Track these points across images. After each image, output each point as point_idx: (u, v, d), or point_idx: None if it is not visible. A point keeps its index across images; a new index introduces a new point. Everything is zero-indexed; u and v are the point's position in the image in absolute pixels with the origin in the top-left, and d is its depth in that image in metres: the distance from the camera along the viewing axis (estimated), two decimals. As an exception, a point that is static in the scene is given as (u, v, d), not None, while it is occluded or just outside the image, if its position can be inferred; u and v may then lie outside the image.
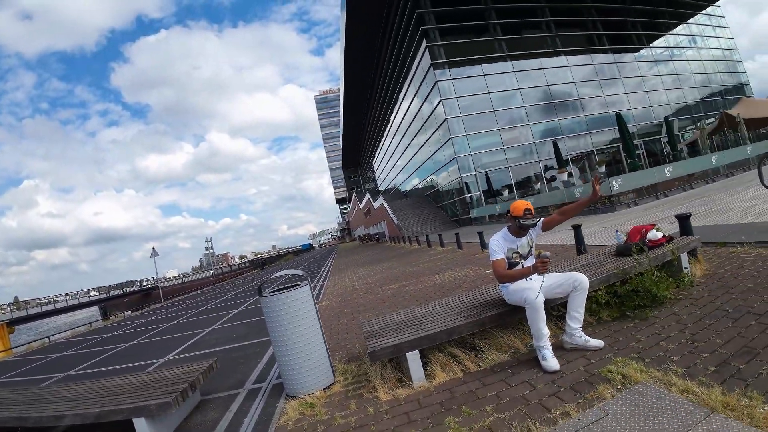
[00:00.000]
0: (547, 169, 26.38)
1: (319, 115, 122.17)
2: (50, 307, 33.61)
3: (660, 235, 3.80)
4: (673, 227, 4.98)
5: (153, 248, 22.16)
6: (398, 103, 38.72)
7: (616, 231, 4.61)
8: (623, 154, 15.49)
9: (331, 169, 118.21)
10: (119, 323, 14.01)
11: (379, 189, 59.88)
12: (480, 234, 10.51)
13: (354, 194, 70.99)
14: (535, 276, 2.86)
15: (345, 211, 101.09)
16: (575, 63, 29.87)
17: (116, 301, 33.36)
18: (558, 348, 2.84)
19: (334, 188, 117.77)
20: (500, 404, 2.34)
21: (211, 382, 3.91)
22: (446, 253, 11.73)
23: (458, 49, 27.79)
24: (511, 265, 2.99)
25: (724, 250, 4.50)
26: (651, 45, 33.87)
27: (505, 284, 3.03)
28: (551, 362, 2.61)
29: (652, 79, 32.59)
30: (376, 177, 65.69)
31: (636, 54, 33.01)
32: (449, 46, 27.83)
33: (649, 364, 2.36)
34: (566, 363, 2.65)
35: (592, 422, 1.92)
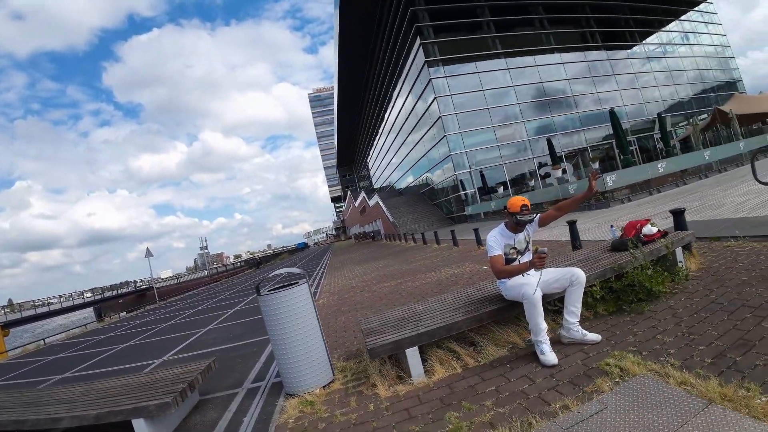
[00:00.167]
0: (541, 165, 26.56)
1: (313, 113, 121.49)
2: (45, 309, 33.40)
3: (655, 230, 3.84)
4: (668, 222, 5.03)
5: (147, 249, 22.08)
6: (393, 100, 38.63)
7: (611, 226, 4.66)
8: (617, 151, 15.60)
9: (325, 168, 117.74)
10: (114, 324, 13.91)
11: (374, 187, 59.82)
12: (476, 231, 10.54)
13: (349, 192, 70.82)
14: (532, 271, 2.90)
15: (340, 209, 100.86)
16: (569, 60, 30.01)
17: (111, 302, 33.20)
18: (556, 342, 2.86)
19: (329, 187, 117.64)
20: (500, 399, 2.36)
21: (210, 382, 3.90)
22: (442, 251, 11.76)
23: (452, 47, 27.78)
24: (509, 260, 3.01)
25: (718, 245, 4.55)
26: (644, 42, 34.06)
27: (502, 280, 3.05)
28: (549, 356, 2.63)
29: (645, 75, 32.80)
30: (371, 175, 65.56)
31: (629, 51, 33.24)
32: (443, 44, 27.81)
33: (647, 357, 2.38)
34: (564, 357, 2.67)
35: (592, 415, 1.94)
